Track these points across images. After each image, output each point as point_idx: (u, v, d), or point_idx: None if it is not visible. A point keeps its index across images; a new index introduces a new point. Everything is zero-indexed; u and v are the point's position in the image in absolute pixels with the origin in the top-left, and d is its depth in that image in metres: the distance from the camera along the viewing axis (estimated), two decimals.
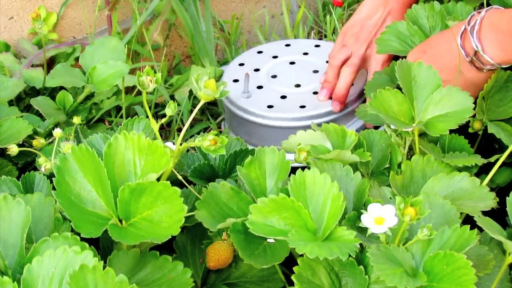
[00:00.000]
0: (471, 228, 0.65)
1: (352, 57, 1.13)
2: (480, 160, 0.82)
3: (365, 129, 1.11)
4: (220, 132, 1.28)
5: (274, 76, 1.22)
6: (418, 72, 0.84)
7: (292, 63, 1.24)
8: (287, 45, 1.30)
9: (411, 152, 0.86)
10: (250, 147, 1.15)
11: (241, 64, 1.26)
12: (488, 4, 1.07)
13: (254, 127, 1.16)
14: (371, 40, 1.12)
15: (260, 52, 1.29)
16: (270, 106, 1.15)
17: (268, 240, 0.71)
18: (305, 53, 1.26)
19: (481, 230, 0.67)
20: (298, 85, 1.18)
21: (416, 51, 0.99)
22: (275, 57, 1.27)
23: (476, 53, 0.87)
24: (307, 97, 1.15)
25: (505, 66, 0.88)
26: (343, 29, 1.17)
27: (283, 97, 1.17)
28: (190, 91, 1.31)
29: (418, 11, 1.05)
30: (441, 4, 1.04)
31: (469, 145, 0.87)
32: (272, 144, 1.16)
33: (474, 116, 0.87)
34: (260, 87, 1.20)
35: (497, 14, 0.87)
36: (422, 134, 0.86)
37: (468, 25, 0.88)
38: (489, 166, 0.84)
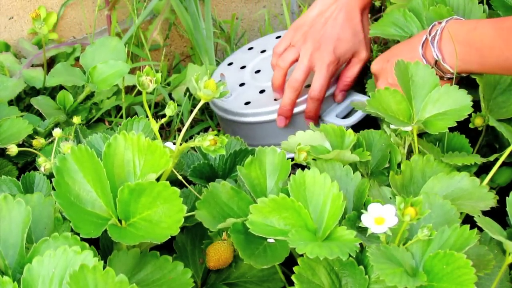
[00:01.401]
0: (471, 228, 0.65)
1: (297, 69, 1.08)
2: (479, 159, 0.82)
3: (347, 115, 1.11)
4: (219, 131, 1.28)
5: (257, 71, 1.21)
6: (416, 72, 0.84)
7: None
8: (278, 37, 1.28)
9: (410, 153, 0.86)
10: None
11: (230, 64, 1.26)
12: (488, 2, 1.07)
13: (236, 125, 1.15)
14: (319, 40, 1.08)
15: (250, 48, 1.28)
16: (247, 103, 1.14)
17: (268, 240, 0.71)
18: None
19: (481, 230, 0.67)
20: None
21: (379, 60, 0.99)
22: (263, 51, 1.25)
23: (436, 62, 0.89)
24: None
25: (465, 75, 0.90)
26: (293, 25, 1.13)
27: (262, 91, 1.16)
28: (187, 90, 1.31)
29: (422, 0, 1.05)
30: None
31: (469, 144, 0.88)
32: (256, 140, 1.16)
33: (475, 112, 0.88)
34: (242, 84, 1.19)
35: (457, 25, 0.89)
36: (422, 134, 0.86)
37: (429, 35, 0.90)
38: (490, 165, 0.84)
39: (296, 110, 1.10)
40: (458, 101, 0.81)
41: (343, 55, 1.08)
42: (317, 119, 1.10)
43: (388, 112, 0.81)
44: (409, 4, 1.05)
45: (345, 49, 1.08)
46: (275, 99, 1.12)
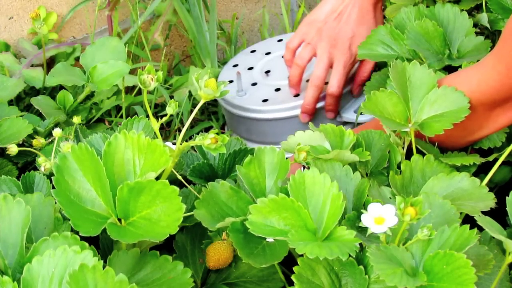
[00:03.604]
0: (471, 228, 0.65)
1: (318, 67, 1.10)
2: (478, 159, 0.82)
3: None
4: (223, 133, 1.28)
5: (267, 72, 1.22)
6: (413, 73, 0.84)
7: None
8: (279, 40, 1.31)
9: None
10: (251, 144, 1.16)
11: (235, 65, 1.27)
12: (487, 5, 1.07)
13: (253, 123, 1.16)
14: (335, 38, 1.10)
15: (253, 51, 1.30)
16: (265, 100, 1.15)
17: (267, 239, 0.71)
18: None
19: (480, 230, 0.67)
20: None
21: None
22: (268, 53, 1.27)
23: None
24: (303, 86, 1.15)
25: None
26: (306, 20, 1.14)
27: (277, 89, 1.17)
28: (189, 92, 1.32)
29: (406, 15, 1.04)
30: (428, 7, 1.04)
31: None
32: (272, 137, 1.18)
33: None
34: (254, 84, 1.20)
35: None
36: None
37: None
38: (487, 165, 0.84)
39: (321, 104, 1.12)
40: (456, 103, 0.81)
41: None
42: (337, 112, 1.13)
43: (384, 114, 0.81)
44: (394, 20, 1.05)
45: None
46: (295, 96, 1.14)
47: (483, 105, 0.80)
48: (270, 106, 1.14)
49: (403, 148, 0.83)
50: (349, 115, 1.13)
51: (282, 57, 1.23)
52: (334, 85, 1.09)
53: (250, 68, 1.25)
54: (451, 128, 0.79)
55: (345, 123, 1.15)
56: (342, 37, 1.09)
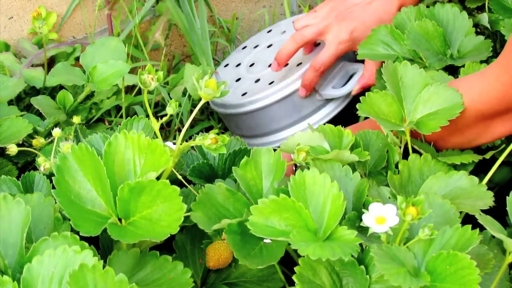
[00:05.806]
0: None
1: (324, 51, 1.08)
2: (476, 157, 0.82)
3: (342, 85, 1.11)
4: (223, 133, 1.28)
5: (252, 65, 1.23)
6: (405, 73, 0.84)
7: (269, 46, 1.25)
8: (269, 31, 1.31)
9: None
10: (245, 140, 1.16)
11: (226, 65, 1.28)
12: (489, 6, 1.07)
13: (238, 118, 1.17)
14: (344, 16, 1.08)
15: (244, 47, 1.31)
16: (244, 94, 1.15)
17: (265, 240, 0.71)
18: (283, 32, 1.26)
19: (480, 229, 0.67)
20: (271, 65, 1.17)
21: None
22: (256, 46, 1.27)
23: None
24: (277, 73, 1.15)
25: None
26: (329, 2, 1.12)
27: (257, 80, 1.17)
28: (185, 90, 1.32)
29: (407, 15, 1.04)
30: (427, 7, 1.04)
31: None
32: (260, 129, 1.18)
33: None
34: (238, 79, 1.21)
35: None
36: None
37: None
38: (486, 165, 0.84)
39: (296, 87, 1.11)
40: (449, 100, 0.81)
41: (359, 40, 1.07)
42: (310, 91, 1.11)
43: (379, 115, 0.81)
44: (394, 20, 1.05)
45: (365, 34, 1.06)
46: (269, 84, 1.13)
47: (484, 115, 0.80)
48: (248, 98, 1.13)
49: (400, 147, 0.84)
50: (328, 91, 1.11)
51: (267, 47, 1.24)
52: (320, 60, 1.07)
53: (238, 65, 1.25)
54: (450, 135, 0.80)
55: (326, 101, 1.13)
56: (351, 19, 1.08)
